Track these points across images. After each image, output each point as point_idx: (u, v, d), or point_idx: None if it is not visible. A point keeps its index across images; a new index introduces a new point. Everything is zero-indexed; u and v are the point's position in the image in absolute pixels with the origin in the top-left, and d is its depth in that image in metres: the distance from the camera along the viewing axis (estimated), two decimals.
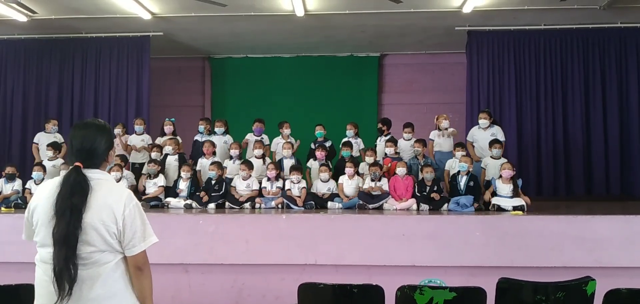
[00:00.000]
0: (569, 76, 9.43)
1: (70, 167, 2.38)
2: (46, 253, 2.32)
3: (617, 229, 5.63)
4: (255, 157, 7.73)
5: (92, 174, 2.38)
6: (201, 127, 8.35)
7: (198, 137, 8.33)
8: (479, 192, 7.00)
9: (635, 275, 5.30)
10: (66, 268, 2.23)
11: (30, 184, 7.50)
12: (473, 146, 7.94)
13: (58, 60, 10.03)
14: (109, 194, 2.38)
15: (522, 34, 9.48)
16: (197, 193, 7.30)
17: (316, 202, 7.06)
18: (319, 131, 8.39)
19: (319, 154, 7.78)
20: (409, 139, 8.05)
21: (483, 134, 7.78)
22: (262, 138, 8.22)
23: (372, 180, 7.12)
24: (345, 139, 8.19)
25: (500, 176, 6.85)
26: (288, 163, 7.73)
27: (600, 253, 5.52)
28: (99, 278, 2.32)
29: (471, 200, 6.72)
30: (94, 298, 2.31)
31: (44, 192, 2.39)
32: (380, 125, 8.45)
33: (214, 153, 7.83)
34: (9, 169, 7.55)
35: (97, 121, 2.57)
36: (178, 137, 8.30)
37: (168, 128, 8.39)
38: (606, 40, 9.39)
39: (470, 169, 7.08)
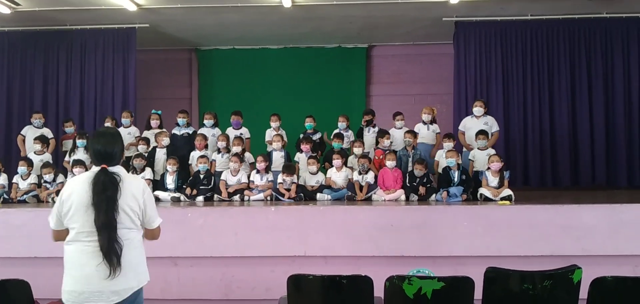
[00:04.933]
0: (556, 67, 9.50)
1: (97, 168, 2.98)
2: (81, 234, 2.91)
3: (603, 218, 5.70)
4: (237, 155, 7.60)
5: (115, 171, 3.00)
6: (180, 120, 8.27)
7: (176, 131, 8.26)
8: (470, 184, 7.03)
9: (621, 263, 5.38)
10: (112, 248, 2.85)
11: (16, 178, 7.41)
12: (464, 135, 7.94)
13: (42, 53, 9.91)
14: (130, 185, 3.02)
15: (509, 24, 9.52)
16: (183, 186, 7.27)
17: (305, 195, 7.06)
18: (309, 123, 8.38)
19: (304, 146, 7.76)
20: (400, 128, 8.05)
21: (476, 123, 7.78)
22: (241, 133, 8.16)
23: (360, 173, 7.13)
24: (336, 131, 8.18)
25: (489, 168, 6.88)
26: (277, 155, 7.71)
27: (587, 242, 5.58)
28: (128, 249, 2.95)
29: (461, 191, 6.75)
30: (126, 265, 2.93)
31: (75, 187, 2.96)
32: (369, 116, 8.40)
33: (206, 147, 7.77)
34: None
35: (112, 130, 3.31)
36: (165, 130, 8.24)
37: (155, 122, 8.32)
38: (592, 30, 9.46)
39: (459, 162, 7.10)
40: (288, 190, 7.00)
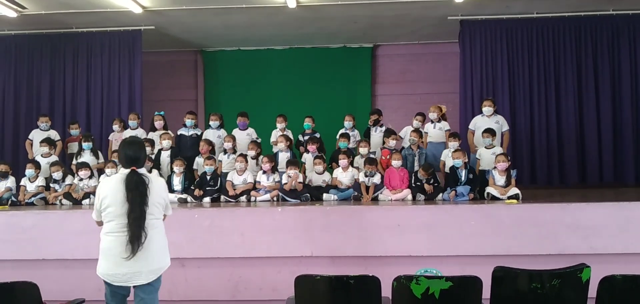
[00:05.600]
0: (562, 64, 9.44)
1: (127, 170, 3.59)
2: (115, 225, 3.52)
3: (611, 216, 5.68)
4: (250, 157, 7.66)
5: (142, 172, 3.62)
6: (188, 121, 8.29)
7: (183, 131, 8.28)
8: (477, 183, 7.00)
9: (630, 261, 5.35)
10: (138, 235, 3.45)
11: (24, 181, 7.44)
12: (474, 134, 7.90)
13: (49, 56, 9.95)
14: (156, 182, 3.69)
15: (514, 22, 9.48)
16: (191, 187, 7.28)
17: (311, 195, 7.05)
18: (307, 123, 8.38)
19: (311, 147, 7.76)
20: (417, 126, 8.03)
21: (487, 122, 7.74)
22: (248, 134, 8.18)
23: (366, 176, 7.12)
24: (342, 131, 8.17)
25: (495, 167, 6.85)
26: (283, 156, 7.71)
27: (595, 240, 5.56)
28: (159, 236, 3.65)
29: (468, 190, 6.72)
30: (155, 248, 3.60)
31: (110, 186, 3.59)
32: (375, 116, 8.40)
33: (210, 152, 7.78)
34: (1, 167, 7.49)
35: (138, 139, 4.11)
36: (170, 132, 8.25)
37: (159, 123, 8.34)
38: (598, 27, 9.40)
39: (466, 161, 7.07)
40: (291, 179, 6.98)
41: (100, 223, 3.68)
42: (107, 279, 3.59)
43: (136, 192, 3.48)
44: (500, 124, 7.71)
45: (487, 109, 7.79)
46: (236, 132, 8.25)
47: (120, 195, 3.50)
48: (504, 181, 6.74)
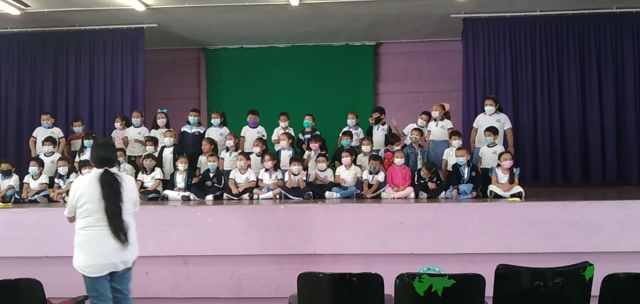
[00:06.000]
0: (565, 62, 9.42)
1: (100, 169, 3.85)
2: (93, 220, 3.76)
3: (614, 214, 5.67)
4: (256, 154, 7.67)
5: (114, 171, 3.90)
6: (191, 119, 8.30)
7: (187, 129, 8.29)
8: (479, 181, 6.99)
9: (633, 260, 5.34)
10: (120, 227, 3.74)
11: (27, 178, 7.46)
12: (477, 132, 7.89)
13: (52, 54, 9.96)
14: (128, 181, 3.97)
15: (517, 20, 9.45)
16: (195, 183, 7.29)
17: (314, 192, 7.05)
18: (307, 121, 8.37)
19: (314, 145, 7.76)
20: (421, 125, 8.04)
21: (488, 120, 7.73)
22: (259, 132, 8.20)
23: (370, 173, 7.11)
24: (345, 129, 8.17)
25: (499, 165, 6.84)
26: (285, 154, 7.71)
27: (598, 238, 5.55)
28: (129, 230, 3.84)
29: (470, 188, 6.72)
30: (130, 241, 3.84)
31: (85, 184, 3.85)
32: (378, 114, 8.40)
33: (213, 151, 7.77)
34: (3, 166, 7.50)
35: (110, 141, 4.63)
36: (172, 130, 8.25)
37: (161, 121, 8.35)
38: (602, 25, 9.37)
39: (469, 159, 7.06)
40: (294, 176, 6.98)
41: (72, 219, 3.91)
42: (84, 271, 3.79)
43: (111, 190, 3.76)
44: (501, 122, 7.70)
45: (489, 108, 7.78)
46: (246, 129, 8.28)
47: (96, 193, 3.76)
48: (507, 179, 6.73)
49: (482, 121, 7.83)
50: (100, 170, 3.83)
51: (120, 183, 3.81)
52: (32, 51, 9.97)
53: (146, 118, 8.90)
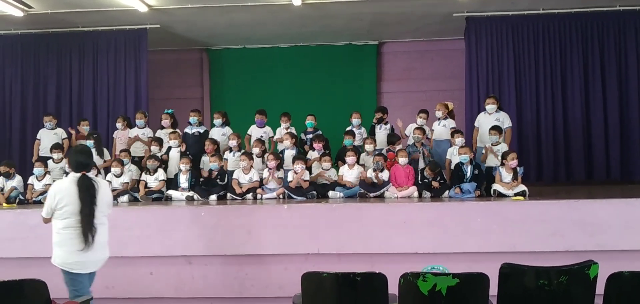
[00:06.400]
0: (568, 61, 9.40)
1: (78, 174, 4.14)
2: (73, 222, 4.04)
3: (618, 212, 5.66)
4: (256, 155, 7.69)
5: (91, 176, 4.21)
6: (192, 119, 8.32)
7: (187, 130, 8.30)
8: (483, 180, 6.99)
9: (637, 258, 5.33)
10: (90, 229, 4.03)
11: (32, 179, 7.48)
12: (478, 132, 7.88)
13: (55, 55, 9.99)
14: (102, 186, 4.26)
15: (520, 19, 9.44)
16: (198, 183, 7.31)
17: (317, 192, 7.05)
18: (310, 121, 8.38)
19: (317, 145, 7.77)
20: (421, 125, 8.04)
21: (489, 119, 7.73)
22: (266, 132, 8.22)
23: (375, 170, 7.11)
24: (348, 128, 8.17)
25: (503, 164, 6.83)
26: (289, 154, 7.71)
27: (602, 237, 5.53)
28: (104, 231, 4.20)
29: (474, 187, 6.71)
30: (102, 242, 4.19)
31: (64, 188, 4.12)
32: (380, 114, 8.40)
33: (216, 151, 7.78)
34: (3, 168, 7.52)
35: (87, 148, 4.61)
36: (178, 131, 8.27)
37: (165, 122, 8.36)
38: (605, 24, 9.35)
39: (472, 158, 7.06)
40: (297, 175, 6.99)
41: (48, 221, 4.19)
42: (64, 267, 4.09)
43: (87, 193, 4.05)
44: (501, 120, 7.69)
45: (490, 106, 7.78)
46: (253, 129, 8.31)
47: (75, 196, 4.05)
48: (511, 178, 6.72)
49: (483, 120, 7.83)
50: (78, 174, 4.13)
51: (96, 187, 4.11)
52: (36, 53, 10.00)
53: (150, 119, 8.91)
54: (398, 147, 7.65)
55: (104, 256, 4.24)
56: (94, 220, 4.07)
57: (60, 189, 4.13)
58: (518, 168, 6.82)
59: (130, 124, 8.57)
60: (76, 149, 4.58)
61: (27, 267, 5.26)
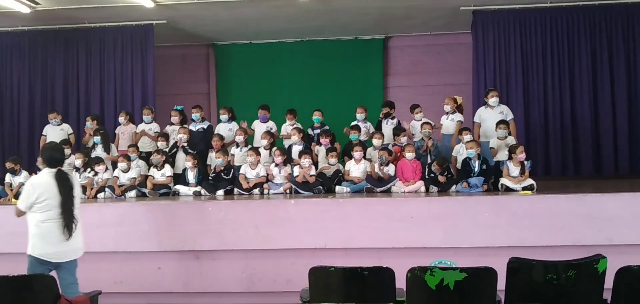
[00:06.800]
0: (576, 54, 9.33)
1: (53, 169, 4.35)
2: (53, 214, 4.26)
3: (627, 206, 5.63)
4: (263, 148, 7.70)
5: (65, 171, 4.45)
6: (194, 115, 8.33)
7: (191, 127, 8.32)
8: (491, 174, 6.96)
9: None
10: (72, 220, 4.30)
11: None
12: (480, 127, 7.85)
13: (62, 51, 10.02)
14: (76, 180, 4.71)
15: (528, 12, 9.37)
16: (206, 178, 7.34)
17: (324, 184, 7.05)
18: (317, 117, 8.37)
19: (324, 140, 7.76)
20: (420, 120, 8.04)
21: (493, 113, 7.70)
22: (270, 127, 8.22)
23: (380, 164, 7.10)
24: (353, 123, 8.16)
25: (511, 158, 6.80)
26: (297, 149, 7.71)
27: (611, 231, 5.50)
28: (78, 223, 4.37)
29: (481, 181, 6.69)
30: (79, 233, 4.40)
31: (43, 182, 4.31)
32: (387, 109, 8.37)
33: (222, 146, 7.80)
34: (9, 164, 7.56)
35: (59, 144, 5.19)
36: (186, 127, 8.28)
37: (175, 118, 8.37)
38: (613, 16, 9.26)
39: (479, 152, 7.03)
40: (303, 170, 6.99)
41: (22, 213, 4.37)
42: (46, 257, 4.26)
43: (66, 187, 4.30)
44: (504, 114, 7.67)
45: (493, 99, 7.74)
46: (256, 124, 8.32)
47: (54, 190, 4.26)
48: (519, 172, 6.70)
49: (485, 115, 7.79)
50: (54, 170, 4.34)
51: (71, 181, 4.38)
52: (43, 49, 10.03)
53: (156, 114, 8.94)
54: (404, 139, 7.62)
55: (82, 246, 4.46)
56: (74, 211, 4.31)
57: (40, 184, 4.31)
58: (525, 162, 6.80)
59: (133, 119, 8.60)
60: (50, 146, 4.75)
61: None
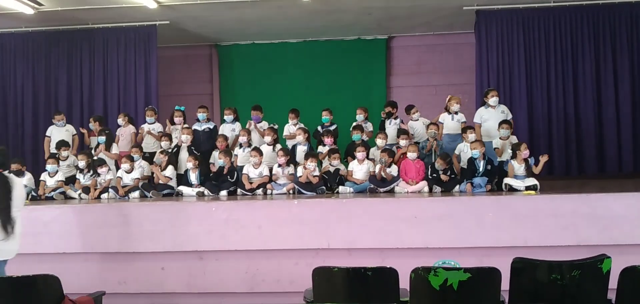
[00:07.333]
0: (580, 54, 9.30)
1: None
2: None
3: (631, 206, 5.60)
4: (267, 144, 7.71)
5: (6, 174, 4.62)
6: (200, 115, 8.34)
7: (197, 127, 8.33)
8: (495, 174, 6.95)
9: None
10: (8, 221, 4.45)
11: (44, 176, 7.55)
12: (480, 127, 7.84)
13: (66, 53, 10.04)
14: (17, 183, 4.65)
15: (531, 11, 9.35)
16: (209, 178, 7.33)
17: (327, 182, 7.04)
18: (325, 117, 8.36)
19: (328, 140, 7.76)
20: (417, 119, 8.02)
21: (493, 113, 7.69)
22: (263, 126, 8.21)
23: (381, 167, 7.08)
24: (355, 123, 8.15)
25: (515, 157, 6.79)
26: (301, 149, 7.71)
27: (615, 231, 5.48)
28: (16, 224, 4.52)
29: (485, 181, 6.68)
30: (16, 233, 4.53)
31: None
32: (389, 108, 8.37)
33: (227, 147, 7.80)
34: (14, 166, 7.56)
35: (2, 147, 4.88)
36: (189, 127, 8.28)
37: (178, 119, 8.38)
38: (617, 15, 9.22)
39: (484, 152, 7.01)
40: (306, 171, 6.99)
41: None
42: None
43: (4, 189, 4.46)
44: (505, 113, 7.66)
45: (493, 99, 7.73)
46: (250, 123, 8.28)
47: None
48: (523, 170, 6.69)
49: (486, 115, 7.78)
50: None
51: (11, 184, 4.54)
52: (46, 50, 10.05)
53: (159, 115, 8.95)
54: (403, 142, 7.59)
55: (17, 248, 4.60)
56: (11, 213, 4.46)
57: None
58: (529, 159, 6.79)
59: (132, 121, 8.62)
60: None
61: (40, 262, 5.32)
